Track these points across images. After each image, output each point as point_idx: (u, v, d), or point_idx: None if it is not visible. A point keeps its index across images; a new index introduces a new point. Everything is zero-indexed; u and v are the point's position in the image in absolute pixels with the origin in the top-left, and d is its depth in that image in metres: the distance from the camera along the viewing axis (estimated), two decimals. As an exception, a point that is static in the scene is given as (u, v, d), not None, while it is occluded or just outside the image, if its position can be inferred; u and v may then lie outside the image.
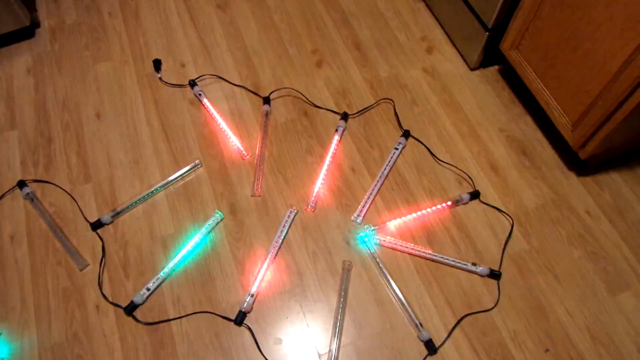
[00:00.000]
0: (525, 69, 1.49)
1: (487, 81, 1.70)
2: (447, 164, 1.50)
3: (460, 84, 1.68)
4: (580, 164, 1.50)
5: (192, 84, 1.64)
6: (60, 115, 1.58)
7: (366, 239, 1.35)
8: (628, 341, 1.25)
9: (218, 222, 1.38)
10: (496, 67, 1.74)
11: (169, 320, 1.25)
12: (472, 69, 1.71)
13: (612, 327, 1.27)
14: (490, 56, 1.67)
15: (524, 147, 1.55)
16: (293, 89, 1.64)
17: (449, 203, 1.41)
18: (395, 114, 1.60)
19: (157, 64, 1.68)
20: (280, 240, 1.35)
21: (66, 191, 1.43)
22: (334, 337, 1.23)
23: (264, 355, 1.21)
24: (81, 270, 1.31)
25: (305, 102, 1.62)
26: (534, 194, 1.47)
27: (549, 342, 1.25)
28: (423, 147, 1.54)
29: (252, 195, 1.43)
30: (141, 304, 1.26)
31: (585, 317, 1.28)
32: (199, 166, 1.48)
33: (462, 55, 1.74)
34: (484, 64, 1.72)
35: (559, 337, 1.26)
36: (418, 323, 1.24)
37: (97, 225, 1.37)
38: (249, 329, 1.24)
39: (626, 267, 1.35)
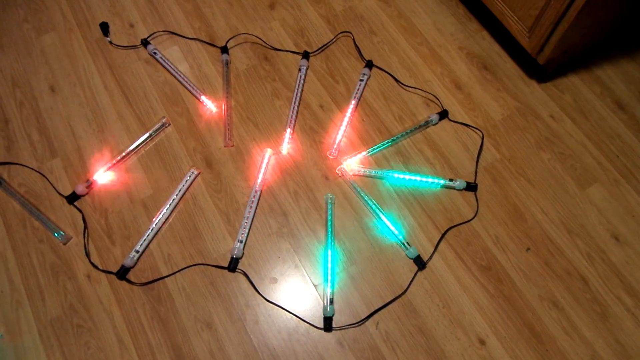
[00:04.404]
0: (477, -18, 1.49)
1: (440, 1, 1.69)
2: (413, 88, 1.52)
3: (415, 7, 1.67)
4: (540, 71, 1.53)
5: (145, 43, 1.58)
6: (12, 93, 1.51)
7: (343, 172, 1.37)
8: (601, 229, 1.33)
9: (195, 177, 1.37)
10: (448, -14, 1.73)
11: (163, 277, 1.26)
12: (425, -9, 1.70)
13: (586, 219, 1.34)
14: (442, -25, 1.66)
15: (484, 62, 1.57)
16: (249, 34, 1.60)
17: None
18: (356, 45, 1.59)
19: (104, 28, 1.61)
20: (261, 184, 1.35)
21: (34, 169, 1.39)
22: (327, 267, 1.26)
23: (261, 295, 1.24)
24: (65, 244, 1.30)
25: (264, 46, 1.59)
26: (499, 105, 1.50)
27: (529, 242, 1.31)
28: (387, 75, 1.54)
29: (225, 146, 1.42)
30: (132, 267, 1.27)
31: (560, 213, 1.35)
32: (167, 125, 1.45)
33: (413, -21, 1.72)
34: (436, -16, 1.71)
35: (538, 235, 1.32)
36: (405, 242, 1.29)
37: (73, 198, 1.34)
38: (244, 273, 1.26)
39: (592, 161, 1.42)
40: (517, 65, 1.57)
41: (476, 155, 1.42)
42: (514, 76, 1.55)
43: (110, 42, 1.60)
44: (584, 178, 1.39)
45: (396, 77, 1.53)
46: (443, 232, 1.32)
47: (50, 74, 1.55)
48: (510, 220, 1.34)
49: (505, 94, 1.52)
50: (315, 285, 1.26)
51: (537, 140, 1.45)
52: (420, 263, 1.27)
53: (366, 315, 1.22)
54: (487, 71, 1.56)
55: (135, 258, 1.26)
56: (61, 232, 1.30)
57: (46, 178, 1.38)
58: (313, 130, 1.46)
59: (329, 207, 1.33)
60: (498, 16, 1.48)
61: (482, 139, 1.44)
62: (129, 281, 1.25)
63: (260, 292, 1.25)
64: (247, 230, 1.30)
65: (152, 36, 1.60)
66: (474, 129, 1.46)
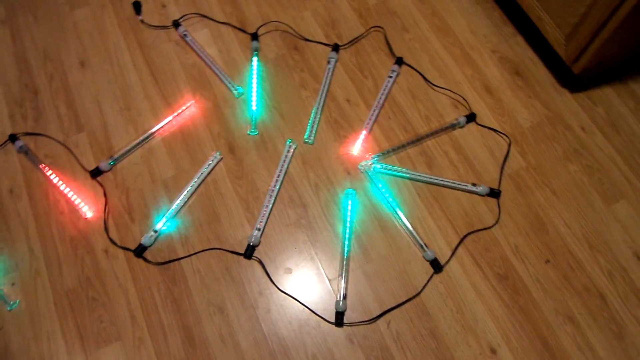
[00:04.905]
0: (516, -15, 1.46)
1: (476, 2, 1.66)
2: (442, 88, 1.50)
3: (450, 7, 1.64)
4: (573, 81, 1.50)
5: (176, 24, 1.58)
6: (43, 65, 1.53)
7: (366, 168, 1.36)
8: (624, 247, 1.30)
9: (218, 162, 1.38)
10: (485, -13, 1.70)
11: (179, 259, 1.27)
12: (462, -9, 1.68)
13: (609, 235, 1.32)
14: (480, -24, 1.63)
15: (517, 67, 1.55)
16: (281, 23, 1.60)
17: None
18: (387, 41, 1.57)
19: (137, 6, 1.61)
20: (282, 174, 1.35)
21: (60, 142, 1.41)
22: (343, 262, 1.26)
23: (275, 284, 1.24)
24: (86, 218, 1.31)
25: (294, 35, 1.58)
26: (529, 112, 1.48)
27: (549, 253, 1.29)
28: (417, 73, 1.52)
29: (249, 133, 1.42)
30: (150, 246, 1.28)
31: (583, 227, 1.32)
32: (193, 107, 1.45)
33: (450, -22, 1.69)
34: (473, -15, 1.68)
35: (559, 248, 1.30)
36: (423, 244, 1.28)
37: (96, 173, 1.36)
38: (259, 261, 1.27)
39: (620, 177, 1.39)
40: (550, 73, 1.54)
41: (501, 162, 1.40)
42: (546, 84, 1.52)
43: (142, 21, 1.60)
44: (611, 193, 1.36)
45: (425, 76, 1.51)
46: (462, 236, 1.30)
47: (81, 48, 1.56)
48: (532, 230, 1.32)
49: (535, 101, 1.49)
50: (329, 279, 1.26)
51: (565, 151, 1.42)
52: (437, 266, 1.26)
53: (378, 313, 1.22)
54: (518, 77, 1.53)
55: (154, 237, 1.27)
56: (83, 205, 1.31)
57: (71, 151, 1.39)
58: (338, 123, 1.45)
59: (349, 202, 1.32)
60: (535, 21, 1.45)
61: (509, 145, 1.42)
62: (145, 259, 1.26)
63: (274, 282, 1.25)
64: (265, 219, 1.30)
65: (184, 18, 1.60)
66: (502, 135, 1.43)
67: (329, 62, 1.52)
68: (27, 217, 1.31)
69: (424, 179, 1.36)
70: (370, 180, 1.36)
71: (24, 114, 1.45)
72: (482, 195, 1.35)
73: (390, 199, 1.33)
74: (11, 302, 1.22)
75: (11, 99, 1.47)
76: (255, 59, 1.48)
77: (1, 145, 1.40)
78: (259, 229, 1.28)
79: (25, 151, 1.38)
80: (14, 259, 1.26)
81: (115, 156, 1.37)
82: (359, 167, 1.38)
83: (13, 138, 1.39)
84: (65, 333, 1.19)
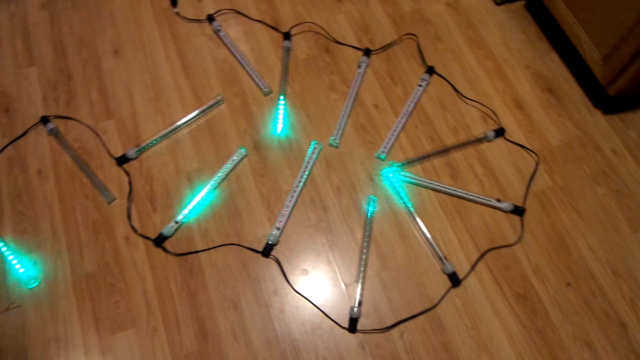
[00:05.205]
0: (555, 1, 1.43)
1: (512, 16, 1.64)
2: (472, 100, 1.48)
3: (485, 19, 1.63)
4: (607, 102, 1.47)
5: (211, 19, 1.59)
6: (78, 51, 1.55)
7: (390, 175, 1.36)
8: (648, 275, 1.27)
9: (242, 158, 1.38)
10: (522, 1, 1.68)
11: (198, 251, 1.27)
12: (498, 4, 1.66)
13: (634, 263, 1.29)
14: (518, -10, 1.61)
15: (549, 85, 1.52)
16: (314, 24, 1.60)
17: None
18: (419, 50, 1.56)
19: (173, -2, 1.63)
20: (305, 176, 1.35)
21: (89, 127, 1.43)
22: (360, 268, 1.25)
23: (290, 285, 1.24)
24: (109, 203, 1.33)
25: (327, 37, 1.58)
26: (559, 131, 1.45)
27: (571, 276, 1.27)
28: (447, 84, 1.51)
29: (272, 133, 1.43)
30: (170, 236, 1.29)
31: (607, 252, 1.30)
32: (221, 102, 1.46)
33: (488, -10, 1.68)
34: (510, -2, 1.66)
35: (581, 271, 1.27)
36: (442, 256, 1.26)
37: (122, 160, 1.37)
38: (277, 260, 1.27)
39: (649, 204, 1.36)
40: (583, 93, 1.51)
41: (528, 179, 1.38)
42: (579, 103, 1.49)
43: (177, 14, 1.62)
44: (638, 220, 1.33)
45: (456, 87, 1.50)
46: (483, 252, 1.29)
47: (116, 36, 1.58)
48: (554, 251, 1.30)
49: (567, 120, 1.47)
50: (345, 284, 1.25)
51: (593, 173, 1.39)
52: (455, 280, 1.24)
53: (393, 323, 1.21)
54: (551, 94, 1.51)
55: (174, 229, 1.28)
56: (107, 191, 1.33)
57: (99, 137, 1.41)
58: (364, 129, 1.44)
59: (370, 208, 1.31)
60: (572, 39, 1.43)
61: (537, 163, 1.40)
62: (164, 249, 1.27)
63: (290, 282, 1.25)
64: (285, 219, 1.30)
65: (218, 13, 1.62)
66: (530, 152, 1.41)
67: (359, 67, 1.51)
68: (52, 198, 1.33)
69: (448, 190, 1.34)
70: (392, 188, 1.35)
71: (57, 97, 1.47)
72: (506, 212, 1.33)
73: (412, 209, 1.32)
74: (31, 281, 1.23)
75: (45, 81, 1.50)
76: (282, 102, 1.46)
77: (33, 126, 1.42)
78: (279, 228, 1.28)
79: (55, 133, 1.40)
80: (38, 239, 1.28)
81: (142, 145, 1.38)
82: (382, 173, 1.37)
83: (45, 120, 1.42)
84: (82, 316, 1.21)
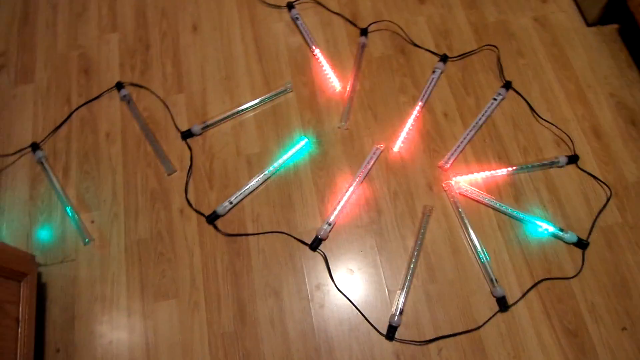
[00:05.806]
0: (655, 30, 1.34)
1: (603, 40, 1.55)
2: (547, 122, 1.41)
3: (574, 39, 1.55)
4: (697, 143, 1.37)
5: (290, 6, 1.60)
6: (159, 23, 1.59)
7: (450, 187, 1.32)
8: None
9: (305, 148, 1.38)
10: (616, 25, 1.58)
11: (248, 234, 1.28)
12: (589, 25, 1.57)
13: (700, 317, 1.20)
14: (612, 12, 1.52)
15: (634, 116, 1.43)
16: (392, 23, 1.57)
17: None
18: (499, 63, 1.50)
19: (257, -18, 1.64)
20: (364, 175, 1.33)
21: (160, 98, 1.46)
22: (406, 276, 1.22)
23: (334, 282, 1.23)
24: (169, 175, 1.36)
25: (404, 38, 1.55)
26: (637, 167, 1.36)
27: (628, 321, 1.19)
28: (523, 101, 1.45)
29: (338, 127, 1.41)
30: (222, 216, 1.30)
31: (672, 302, 1.21)
32: (290, 90, 1.46)
33: (579, 8, 1.59)
34: (603, 20, 1.56)
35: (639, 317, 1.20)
36: (493, 278, 1.22)
37: (187, 135, 1.40)
38: (324, 255, 1.26)
39: None
40: (670, 130, 1.41)
41: (596, 212, 1.30)
42: (664, 140, 1.40)
43: (259, -3, 1.63)
44: None
45: (532, 106, 1.43)
46: (537, 281, 1.23)
47: (196, 13, 1.61)
48: (614, 291, 1.22)
49: (647, 157, 1.38)
50: (388, 290, 1.23)
51: (669, 217, 1.30)
52: (503, 304, 1.19)
53: (432, 337, 1.17)
54: (634, 127, 1.42)
55: (228, 208, 1.30)
56: (169, 162, 1.36)
57: (168, 109, 1.45)
58: (430, 136, 1.41)
59: (426, 217, 1.28)
60: (668, 72, 1.33)
61: (609, 197, 1.32)
62: (216, 227, 1.29)
63: (334, 279, 1.24)
64: (338, 215, 1.29)
65: (298, 1, 1.61)
66: (602, 184, 1.34)
67: (434, 72, 1.47)
68: (117, 162, 1.38)
69: (509, 211, 1.29)
70: (451, 201, 1.31)
71: (133, 65, 1.52)
72: (568, 243, 1.27)
73: (469, 224, 1.27)
74: (87, 239, 1.28)
75: (125, 48, 1.55)
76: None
77: (107, 90, 1.47)
78: (330, 224, 1.27)
79: (127, 100, 1.45)
80: (98, 199, 1.33)
81: (208, 122, 1.41)
82: (443, 185, 1.33)
83: (119, 86, 1.46)
84: (129, 279, 1.25)
